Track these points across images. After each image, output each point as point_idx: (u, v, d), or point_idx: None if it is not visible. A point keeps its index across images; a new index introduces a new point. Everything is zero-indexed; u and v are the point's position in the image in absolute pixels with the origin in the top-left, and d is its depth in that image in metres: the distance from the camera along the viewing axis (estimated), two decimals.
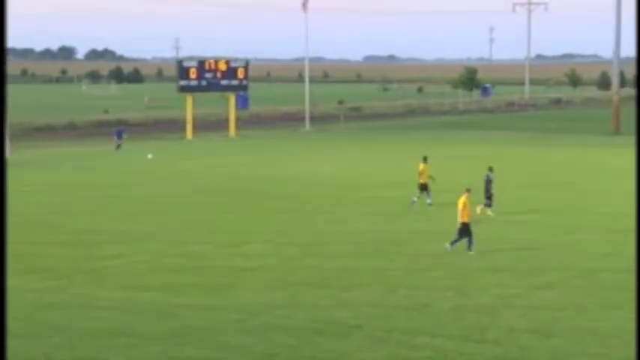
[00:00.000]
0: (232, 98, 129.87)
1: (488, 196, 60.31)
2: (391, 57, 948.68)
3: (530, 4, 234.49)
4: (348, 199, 67.88)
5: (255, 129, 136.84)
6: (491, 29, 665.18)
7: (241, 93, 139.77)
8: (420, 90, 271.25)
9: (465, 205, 47.71)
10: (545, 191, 67.90)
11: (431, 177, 64.10)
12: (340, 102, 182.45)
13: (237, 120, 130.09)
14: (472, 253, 47.52)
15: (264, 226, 55.20)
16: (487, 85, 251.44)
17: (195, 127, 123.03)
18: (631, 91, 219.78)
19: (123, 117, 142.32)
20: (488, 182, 60.74)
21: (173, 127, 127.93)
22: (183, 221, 57.04)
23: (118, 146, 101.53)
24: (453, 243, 47.94)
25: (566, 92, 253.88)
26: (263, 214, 59.51)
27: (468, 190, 49.32)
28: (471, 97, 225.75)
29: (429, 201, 62.93)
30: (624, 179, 74.31)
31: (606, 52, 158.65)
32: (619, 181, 75.20)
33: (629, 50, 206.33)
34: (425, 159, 65.96)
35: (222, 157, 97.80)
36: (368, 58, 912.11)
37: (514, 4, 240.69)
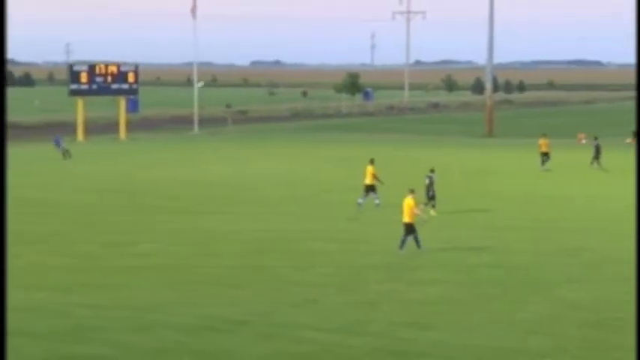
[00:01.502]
0: (123, 102, 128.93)
1: (431, 197, 60.64)
2: (277, 62, 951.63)
3: (409, 12, 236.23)
4: (237, 199, 67.94)
5: (145, 132, 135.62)
6: (373, 36, 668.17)
7: (131, 97, 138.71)
8: (304, 94, 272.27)
9: (409, 205, 47.83)
10: (422, 192, 68.37)
11: (377, 178, 63.79)
12: (228, 105, 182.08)
13: (128, 123, 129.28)
14: (402, 252, 47.49)
15: (154, 227, 54.88)
16: (368, 89, 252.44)
17: (86, 130, 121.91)
18: (503, 96, 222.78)
19: (14, 120, 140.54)
20: (430, 184, 61.04)
21: (64, 130, 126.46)
22: (75, 222, 56.53)
23: (66, 152, 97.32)
24: (402, 243, 47.99)
25: (443, 97, 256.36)
26: (153, 215, 59.32)
27: (412, 191, 49.37)
28: (354, 100, 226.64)
29: (377, 202, 62.55)
30: (497, 179, 76.62)
31: (480, 58, 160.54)
32: (493, 181, 76.20)
33: (501, 57, 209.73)
34: (372, 161, 65.83)
35: (112, 159, 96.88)
36: (254, 63, 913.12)
37: (394, 13, 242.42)
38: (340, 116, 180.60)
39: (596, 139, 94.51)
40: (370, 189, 63.49)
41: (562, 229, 57.16)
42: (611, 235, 55.24)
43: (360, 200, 62.87)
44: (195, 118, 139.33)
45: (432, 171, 62.48)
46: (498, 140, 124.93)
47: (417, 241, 47.75)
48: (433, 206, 59.96)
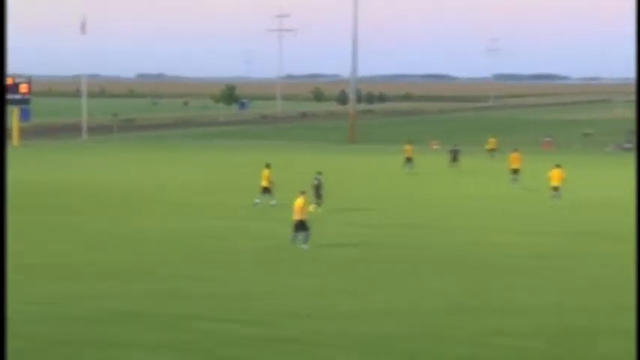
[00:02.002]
0: (16, 111, 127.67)
1: (318, 196, 60.91)
2: (160, 75, 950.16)
3: (280, 30, 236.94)
4: (128, 200, 67.35)
5: (37, 139, 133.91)
6: (249, 51, 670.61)
7: (24, 106, 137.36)
8: (185, 104, 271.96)
9: (300, 205, 48.39)
10: (293, 192, 68.54)
11: (271, 181, 63.83)
12: (115, 114, 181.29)
13: (21, 131, 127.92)
14: (306, 247, 47.70)
15: (51, 226, 54.37)
16: (244, 100, 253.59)
17: None
18: (365, 106, 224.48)
19: None
20: (319, 185, 61.54)
21: None
22: None
23: None
24: (293, 239, 48.52)
25: (312, 106, 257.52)
26: (48, 215, 58.55)
27: (303, 192, 49.95)
28: (230, 110, 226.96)
29: (273, 202, 62.65)
30: (364, 181, 77.11)
31: (345, 72, 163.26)
32: (359, 182, 76.58)
33: (364, 71, 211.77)
34: (267, 165, 65.66)
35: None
36: (140, 76, 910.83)
37: (267, 30, 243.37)
38: (218, 124, 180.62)
39: (455, 145, 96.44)
40: (266, 190, 63.63)
41: (429, 225, 57.79)
42: (476, 229, 56.31)
43: (256, 200, 62.85)
44: (84, 126, 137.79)
45: (320, 173, 63.14)
46: (360, 146, 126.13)
47: (306, 237, 48.05)
48: (319, 204, 60.30)
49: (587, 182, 79.56)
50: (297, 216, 48.66)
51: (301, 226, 48.49)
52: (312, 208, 56.70)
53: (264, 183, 64.34)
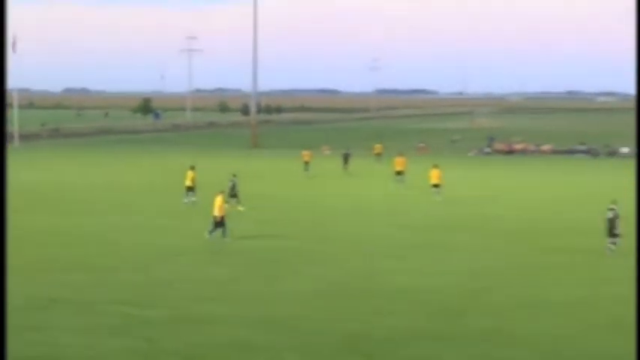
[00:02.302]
0: None
1: (233, 195, 60.62)
2: (84, 89, 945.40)
3: (190, 50, 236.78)
4: (48, 199, 65.79)
5: None
6: (163, 68, 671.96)
7: None
8: (106, 115, 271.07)
9: (219, 203, 48.50)
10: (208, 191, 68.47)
11: (193, 182, 63.75)
12: (43, 124, 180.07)
13: None
14: (227, 239, 47.75)
15: None
16: (158, 111, 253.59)
17: None
18: (265, 117, 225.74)
19: None
20: (233, 186, 61.45)
21: None
22: None
23: None
24: (210, 232, 48.33)
25: (218, 117, 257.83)
26: None
27: (222, 192, 50.35)
28: (146, 120, 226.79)
29: (193, 199, 62.41)
30: (265, 181, 77.29)
31: (248, 87, 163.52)
32: (264, 183, 76.22)
33: (263, 85, 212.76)
34: (192, 167, 65.58)
35: None
36: (66, 90, 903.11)
37: (179, 50, 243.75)
38: (136, 132, 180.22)
39: (347, 150, 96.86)
40: (190, 189, 63.37)
41: (324, 221, 57.88)
42: (364, 223, 56.41)
43: (185, 200, 62.44)
44: (16, 135, 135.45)
45: (234, 175, 63.02)
46: (261, 151, 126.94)
47: (224, 232, 48.08)
48: (238, 202, 60.04)
49: (458, 181, 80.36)
50: (216, 212, 48.66)
51: (220, 222, 48.55)
52: (239, 207, 57.96)
53: (189, 183, 64.08)
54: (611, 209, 46.61)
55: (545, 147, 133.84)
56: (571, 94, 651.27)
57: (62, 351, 27.62)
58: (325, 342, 29.10)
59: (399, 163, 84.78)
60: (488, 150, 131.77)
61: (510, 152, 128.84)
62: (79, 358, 27.77)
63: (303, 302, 34.32)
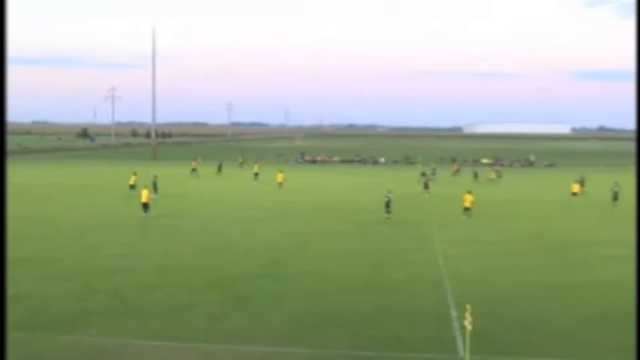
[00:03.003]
0: None
1: (155, 189, 59.99)
2: (46, 121, 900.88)
3: (112, 96, 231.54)
4: (14, 194, 62.72)
5: None
6: (95, 108, 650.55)
7: None
8: (59, 139, 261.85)
9: (145, 194, 49.31)
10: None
11: (136, 182, 62.85)
12: (18, 144, 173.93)
13: None
14: (149, 214, 48.19)
15: None
16: (92, 136, 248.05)
17: None
18: (161, 139, 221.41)
19: None
20: (155, 182, 61.21)
21: None
22: None
23: None
24: (145, 212, 48.73)
25: (131, 140, 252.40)
26: None
27: (146, 187, 51.82)
28: (85, 142, 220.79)
29: (153, 196, 60.09)
30: (167, 181, 74.31)
31: (149, 120, 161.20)
32: (167, 182, 72.09)
33: (159, 119, 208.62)
34: (135, 173, 65.52)
35: None
36: (33, 122, 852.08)
37: (105, 97, 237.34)
38: (77, 150, 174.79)
39: (221, 161, 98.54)
40: (132, 188, 62.01)
41: (203, 206, 56.66)
42: (228, 208, 55.57)
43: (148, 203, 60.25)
44: None
45: (156, 177, 62.89)
46: (159, 161, 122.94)
47: (146, 211, 48.46)
48: (156, 193, 58.99)
49: (293, 178, 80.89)
50: (143, 199, 49.29)
51: (146, 206, 48.93)
52: (153, 196, 56.33)
53: (132, 182, 62.97)
54: (387, 195, 49.45)
55: (336, 158, 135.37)
56: (351, 127, 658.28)
57: None
58: (198, 281, 28.86)
59: (257, 167, 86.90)
60: (300, 160, 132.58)
61: (314, 162, 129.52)
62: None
63: (185, 258, 33.94)
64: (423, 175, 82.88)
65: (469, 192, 52.39)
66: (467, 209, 50.69)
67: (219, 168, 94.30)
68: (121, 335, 21.55)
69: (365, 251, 36.67)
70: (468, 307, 19.22)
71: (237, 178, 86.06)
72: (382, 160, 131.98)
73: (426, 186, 69.26)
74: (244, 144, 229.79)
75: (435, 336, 21.89)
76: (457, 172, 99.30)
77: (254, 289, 27.64)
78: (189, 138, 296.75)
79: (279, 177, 74.18)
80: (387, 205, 48.26)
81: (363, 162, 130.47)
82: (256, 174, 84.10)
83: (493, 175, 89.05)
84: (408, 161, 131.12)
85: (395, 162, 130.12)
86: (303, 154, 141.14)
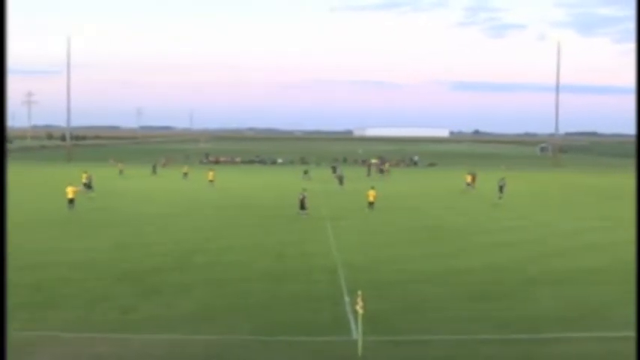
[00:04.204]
0: None
1: (89, 187, 59.47)
2: None
3: (29, 101, 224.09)
4: None
5: None
6: (14, 112, 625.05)
7: None
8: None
9: (72, 190, 49.04)
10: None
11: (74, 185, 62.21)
12: None
13: None
14: (73, 211, 47.49)
15: None
16: (12, 139, 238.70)
17: None
18: (75, 142, 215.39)
19: None
20: (89, 181, 61.24)
21: None
22: None
23: None
24: (69, 209, 48.28)
25: (46, 142, 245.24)
26: None
27: (71, 184, 50.76)
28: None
29: (92, 194, 58.90)
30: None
31: (64, 123, 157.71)
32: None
33: (74, 123, 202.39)
34: (85, 170, 64.48)
35: None
36: None
37: (22, 101, 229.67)
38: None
39: (155, 162, 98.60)
40: (86, 186, 60.90)
41: (128, 202, 55.78)
42: (152, 204, 55.09)
43: (92, 195, 58.08)
44: None
45: (86, 171, 63.11)
46: (75, 163, 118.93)
47: (72, 208, 47.70)
48: (92, 191, 58.67)
49: (196, 178, 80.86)
50: (69, 196, 48.83)
51: (71, 202, 48.38)
52: (83, 190, 55.95)
53: (85, 181, 61.91)
54: (302, 192, 49.56)
55: (237, 159, 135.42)
56: (251, 130, 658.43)
57: None
58: (112, 274, 28.49)
59: (184, 168, 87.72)
60: (205, 160, 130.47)
61: (217, 162, 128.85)
62: None
63: (102, 252, 33.34)
64: (334, 169, 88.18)
65: (372, 187, 54.25)
66: (371, 203, 52.08)
67: (154, 168, 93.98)
68: (42, 328, 20.97)
69: (268, 244, 36.75)
70: (359, 292, 19.61)
71: (167, 178, 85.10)
72: (280, 160, 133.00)
73: (340, 182, 71.77)
74: (154, 146, 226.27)
75: (330, 320, 22.03)
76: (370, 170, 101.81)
77: (164, 281, 27.29)
78: (103, 140, 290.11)
79: (210, 175, 74.19)
80: (302, 202, 48.33)
81: (262, 162, 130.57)
82: (185, 174, 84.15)
83: (387, 167, 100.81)
84: (304, 161, 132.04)
85: (291, 162, 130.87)
86: (207, 155, 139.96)
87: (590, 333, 21.09)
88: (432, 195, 66.90)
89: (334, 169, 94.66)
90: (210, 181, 73.13)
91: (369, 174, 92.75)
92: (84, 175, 63.43)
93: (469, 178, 72.27)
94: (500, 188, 62.70)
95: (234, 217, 47.73)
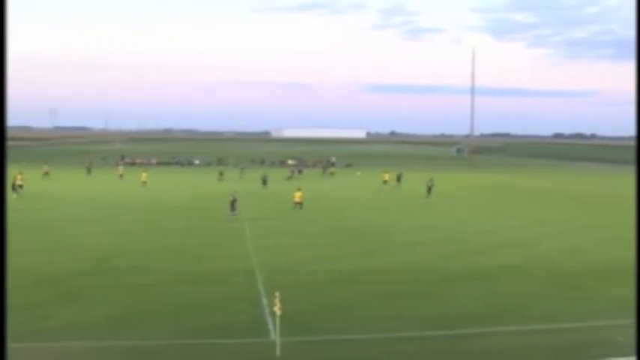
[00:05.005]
0: None
1: (17, 188, 58.73)
2: None
3: None
4: None
5: None
6: None
7: None
8: None
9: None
10: None
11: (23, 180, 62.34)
12: None
13: None
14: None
15: None
16: None
17: None
18: None
19: None
20: (21, 183, 60.58)
21: None
22: None
23: None
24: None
25: None
26: None
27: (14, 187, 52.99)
28: None
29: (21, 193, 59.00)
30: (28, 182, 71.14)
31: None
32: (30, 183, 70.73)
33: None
34: (20, 172, 63.66)
35: None
36: None
37: None
38: None
39: (89, 163, 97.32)
40: (20, 187, 60.74)
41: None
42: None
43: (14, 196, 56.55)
44: None
45: (21, 172, 62.95)
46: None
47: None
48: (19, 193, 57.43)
49: (156, 180, 79.08)
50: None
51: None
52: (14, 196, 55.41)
53: (18, 182, 60.71)
54: (233, 194, 48.87)
55: (154, 160, 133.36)
56: (168, 131, 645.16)
57: None
58: (39, 278, 28.01)
59: (119, 170, 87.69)
60: (120, 162, 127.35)
61: (133, 164, 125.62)
62: None
63: (22, 257, 32.03)
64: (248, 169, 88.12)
65: (299, 189, 54.70)
66: (297, 204, 52.42)
67: (88, 170, 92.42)
68: None
69: (187, 246, 36.48)
70: (277, 294, 19.55)
71: (100, 179, 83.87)
72: (197, 162, 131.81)
73: (264, 183, 72.40)
74: (70, 147, 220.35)
75: (248, 322, 21.90)
76: (296, 172, 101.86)
77: (85, 286, 26.91)
78: (15, 142, 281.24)
79: (143, 177, 74.65)
80: (232, 203, 47.84)
81: (179, 164, 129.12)
82: (121, 175, 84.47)
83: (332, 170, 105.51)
84: (221, 162, 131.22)
85: (209, 163, 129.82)
86: (122, 157, 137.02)
87: (507, 327, 21.64)
88: (352, 195, 67.43)
89: (241, 170, 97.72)
90: (144, 182, 72.99)
91: (292, 175, 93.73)
92: (18, 177, 61.55)
93: (386, 177, 74.87)
94: (429, 189, 64.26)
95: (157, 220, 47.20)
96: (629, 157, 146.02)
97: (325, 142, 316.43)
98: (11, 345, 19.35)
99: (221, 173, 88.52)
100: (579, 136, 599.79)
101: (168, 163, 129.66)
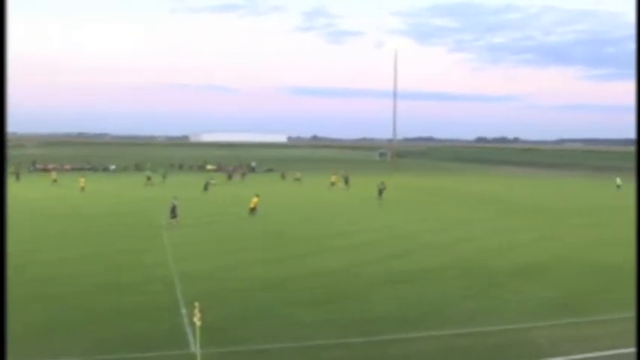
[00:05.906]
0: None
1: None
2: None
3: None
4: None
5: None
6: None
7: None
8: None
9: None
10: None
11: None
12: None
13: None
14: None
15: None
16: None
17: None
18: None
19: None
20: None
21: None
22: None
23: None
24: None
25: None
26: None
27: None
28: None
29: None
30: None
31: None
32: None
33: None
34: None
35: None
36: None
37: None
38: None
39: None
40: None
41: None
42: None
43: None
44: None
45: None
46: None
47: None
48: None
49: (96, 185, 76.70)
50: None
51: None
52: None
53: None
54: (173, 200, 48.15)
55: (67, 166, 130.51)
56: (81, 135, 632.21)
57: None
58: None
59: (53, 175, 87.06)
60: (32, 168, 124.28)
61: (45, 170, 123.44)
62: None
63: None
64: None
65: (257, 195, 54.70)
66: (252, 209, 51.90)
67: (17, 176, 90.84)
68: None
69: (106, 254, 35.77)
70: (196, 304, 19.22)
71: (32, 185, 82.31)
72: (112, 167, 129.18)
73: (205, 188, 72.19)
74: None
75: (168, 333, 21.44)
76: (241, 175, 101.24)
77: None
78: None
79: (82, 182, 74.90)
80: (173, 210, 47.02)
81: (93, 169, 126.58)
82: (55, 180, 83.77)
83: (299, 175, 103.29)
84: (138, 168, 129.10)
85: (125, 169, 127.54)
86: (34, 162, 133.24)
87: (428, 332, 21.93)
88: (280, 201, 66.90)
89: (164, 174, 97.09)
90: (82, 187, 73.29)
91: (229, 179, 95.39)
92: None
93: (334, 178, 79.53)
94: (380, 192, 65.67)
95: (67, 226, 46.24)
96: (553, 160, 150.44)
97: (245, 147, 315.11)
98: None
99: (149, 178, 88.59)
100: (502, 140, 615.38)
101: (82, 169, 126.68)
